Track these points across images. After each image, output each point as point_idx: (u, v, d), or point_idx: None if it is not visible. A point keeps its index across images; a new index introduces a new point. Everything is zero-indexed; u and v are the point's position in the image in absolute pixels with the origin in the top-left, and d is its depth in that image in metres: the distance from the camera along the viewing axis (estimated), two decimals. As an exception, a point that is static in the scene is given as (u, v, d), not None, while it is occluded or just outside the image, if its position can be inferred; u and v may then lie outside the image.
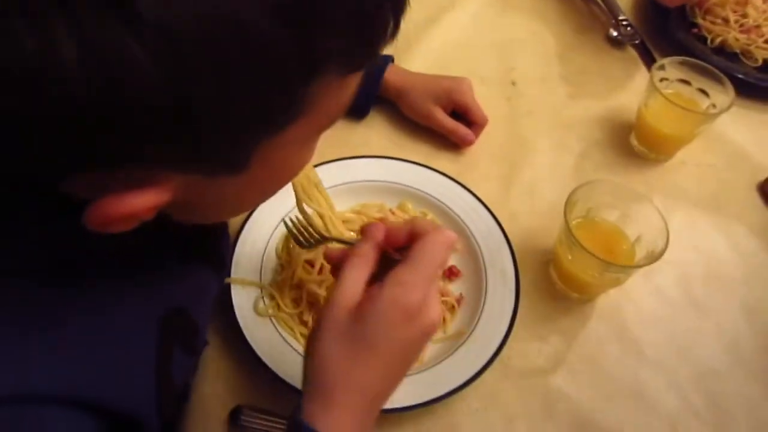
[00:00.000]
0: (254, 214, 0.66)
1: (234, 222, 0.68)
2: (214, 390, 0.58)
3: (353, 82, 0.35)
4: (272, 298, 0.62)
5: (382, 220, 0.68)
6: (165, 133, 0.27)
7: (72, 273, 0.37)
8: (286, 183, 0.41)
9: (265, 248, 0.65)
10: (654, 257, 0.59)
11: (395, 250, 0.48)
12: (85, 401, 0.36)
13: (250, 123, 0.30)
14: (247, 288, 0.61)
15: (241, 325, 0.58)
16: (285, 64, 0.28)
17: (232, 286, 0.61)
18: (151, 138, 0.27)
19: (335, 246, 0.55)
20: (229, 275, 0.61)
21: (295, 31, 0.27)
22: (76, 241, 0.38)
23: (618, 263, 0.60)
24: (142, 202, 0.30)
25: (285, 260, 0.64)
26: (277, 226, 0.66)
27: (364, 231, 0.48)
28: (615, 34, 0.94)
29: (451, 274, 0.66)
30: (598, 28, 0.97)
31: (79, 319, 0.38)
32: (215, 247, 0.57)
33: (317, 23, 0.28)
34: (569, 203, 0.62)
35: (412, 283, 0.43)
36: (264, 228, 0.66)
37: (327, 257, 0.51)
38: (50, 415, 0.34)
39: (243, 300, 0.60)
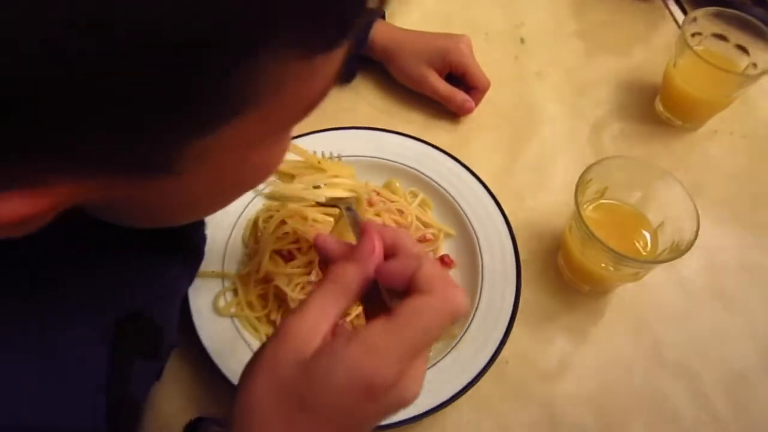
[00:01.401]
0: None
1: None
2: (170, 399, 0.51)
3: (328, 64, 0.26)
4: (235, 293, 0.54)
5: (368, 202, 0.59)
6: (33, 131, 0.20)
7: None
8: (255, 184, 0.33)
9: (230, 235, 0.57)
10: (680, 250, 0.50)
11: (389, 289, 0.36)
12: (17, 427, 0.30)
13: (156, 120, 0.21)
14: (206, 282, 0.54)
15: (197, 326, 0.51)
16: (197, 48, 0.19)
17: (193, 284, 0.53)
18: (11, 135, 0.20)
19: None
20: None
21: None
22: None
23: (637, 257, 0.51)
24: (20, 205, 0.22)
25: (252, 249, 0.56)
26: (245, 209, 0.58)
27: (362, 241, 0.36)
28: (640, -18, 0.82)
29: (442, 264, 0.58)
30: (621, -25, 0.85)
31: (12, 337, 0.32)
32: (187, 237, 0.49)
33: None
34: (581, 184, 0.53)
35: (387, 353, 0.31)
36: (229, 212, 0.57)
37: (318, 244, 0.39)
38: None
39: (201, 296, 0.53)
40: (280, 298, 0.54)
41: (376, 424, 0.34)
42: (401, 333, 0.32)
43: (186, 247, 0.50)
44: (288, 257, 0.55)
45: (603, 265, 0.53)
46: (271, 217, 0.57)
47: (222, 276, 0.54)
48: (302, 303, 0.34)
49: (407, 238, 0.37)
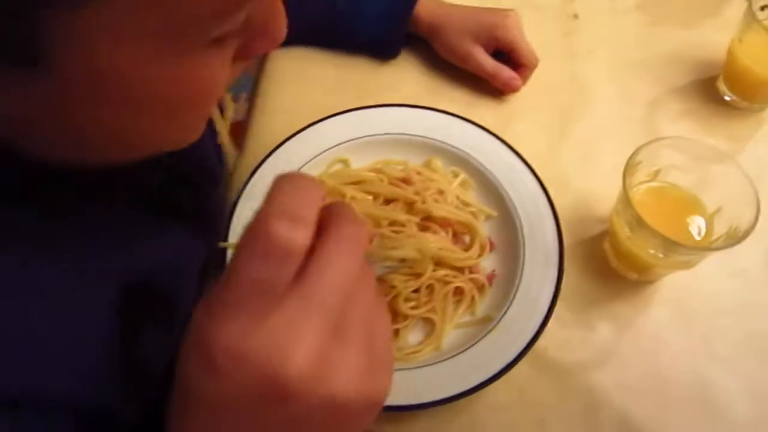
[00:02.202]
0: (257, 174, 0.58)
1: (235, 183, 0.60)
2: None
3: None
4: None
5: (405, 180, 0.58)
6: None
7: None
8: (183, 116, 0.30)
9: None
10: (738, 237, 0.47)
11: None
12: (16, 399, 0.30)
13: None
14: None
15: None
16: None
17: (228, 254, 0.53)
18: None
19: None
20: (225, 238, 0.54)
21: None
22: None
23: (689, 244, 0.48)
24: None
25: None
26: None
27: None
28: (706, -47, 0.77)
29: (487, 279, 0.55)
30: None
31: (9, 299, 0.31)
32: (197, 204, 0.49)
33: None
34: (630, 166, 0.50)
35: (218, 310, 0.24)
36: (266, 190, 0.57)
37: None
38: None
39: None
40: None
41: None
42: (226, 282, 0.24)
43: (195, 213, 0.49)
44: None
45: (652, 251, 0.51)
46: (309, 193, 0.56)
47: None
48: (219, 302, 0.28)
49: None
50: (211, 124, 0.46)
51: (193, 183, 0.49)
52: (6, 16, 0.21)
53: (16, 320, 0.31)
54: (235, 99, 1.42)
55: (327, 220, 0.26)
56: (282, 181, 0.24)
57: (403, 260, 0.50)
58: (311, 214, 0.24)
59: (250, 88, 0.72)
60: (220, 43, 0.28)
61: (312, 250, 0.24)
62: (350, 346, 0.25)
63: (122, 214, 0.40)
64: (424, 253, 0.51)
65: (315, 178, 0.26)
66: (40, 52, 0.23)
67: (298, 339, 0.23)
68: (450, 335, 0.52)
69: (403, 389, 0.48)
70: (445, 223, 0.55)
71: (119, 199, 0.40)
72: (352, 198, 0.56)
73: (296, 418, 0.24)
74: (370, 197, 0.57)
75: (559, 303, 0.52)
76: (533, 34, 0.67)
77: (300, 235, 0.23)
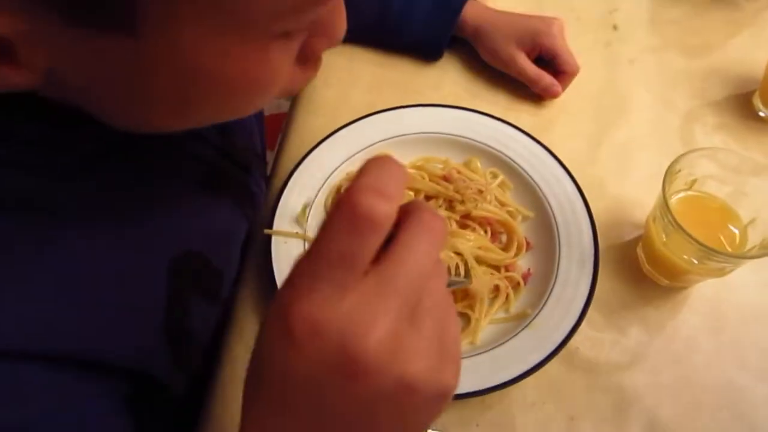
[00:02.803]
0: (303, 164, 0.60)
1: (280, 170, 0.62)
2: (247, 353, 0.54)
3: None
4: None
5: (445, 178, 0.60)
6: None
7: (58, 206, 0.33)
8: (239, 99, 0.32)
9: (314, 199, 0.59)
10: (773, 247, 0.48)
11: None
12: (69, 356, 0.32)
13: None
14: (289, 243, 0.56)
15: (279, 283, 0.53)
16: None
17: (273, 240, 0.55)
18: None
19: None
20: (270, 225, 0.56)
21: None
22: (54, 172, 0.33)
23: (725, 251, 0.49)
24: None
25: (333, 216, 0.58)
26: (329, 177, 0.60)
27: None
28: (747, -30, 0.78)
29: (523, 278, 0.57)
30: (727, -37, 0.81)
31: (60, 263, 0.33)
32: (237, 176, 0.51)
33: None
34: (670, 173, 0.51)
35: (300, 284, 0.25)
36: (314, 178, 0.59)
37: None
38: (25, 372, 0.30)
39: (283, 256, 0.55)
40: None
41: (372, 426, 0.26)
42: (309, 255, 0.25)
43: (238, 189, 0.51)
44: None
45: (686, 257, 0.52)
46: (353, 186, 0.58)
47: (303, 238, 0.56)
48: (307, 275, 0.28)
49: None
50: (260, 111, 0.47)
51: (240, 164, 0.51)
52: None
53: (76, 285, 0.33)
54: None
55: (409, 211, 0.27)
56: (369, 162, 0.25)
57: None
58: (396, 191, 0.24)
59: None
60: (286, 37, 0.30)
61: (394, 238, 0.26)
62: (423, 333, 0.25)
63: (175, 188, 0.42)
64: (466, 256, 0.53)
65: (399, 161, 0.27)
66: (133, 19, 0.25)
67: (375, 318, 0.24)
68: (485, 330, 0.54)
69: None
70: (484, 222, 0.57)
71: (173, 174, 0.42)
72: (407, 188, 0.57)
73: (366, 397, 0.25)
74: (411, 193, 0.59)
75: (592, 304, 0.54)
76: (575, 42, 0.68)
77: (384, 208, 0.24)
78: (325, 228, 0.25)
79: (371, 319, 0.24)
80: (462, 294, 0.54)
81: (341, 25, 0.34)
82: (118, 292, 0.36)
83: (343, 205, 0.24)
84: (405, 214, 0.26)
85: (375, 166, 0.25)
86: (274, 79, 0.32)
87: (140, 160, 0.39)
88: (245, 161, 0.53)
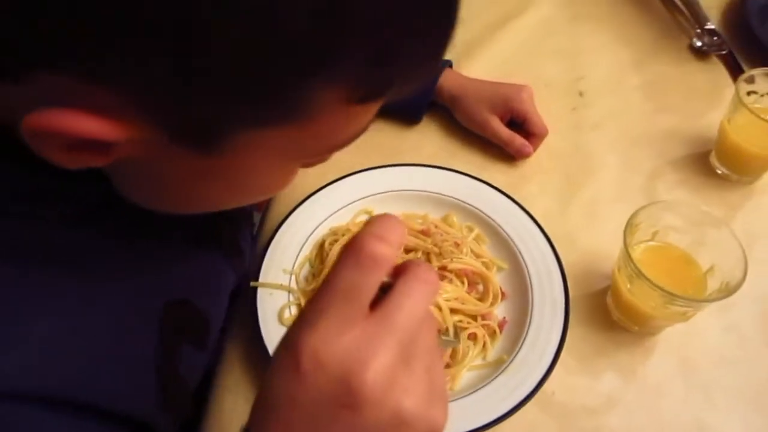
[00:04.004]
0: (289, 219, 0.63)
1: (268, 225, 0.66)
2: (234, 403, 0.56)
3: (358, 119, 0.31)
4: (299, 307, 0.59)
5: (423, 232, 0.63)
6: (155, 55, 0.24)
7: (53, 255, 0.36)
8: (255, 197, 0.38)
9: (298, 253, 0.62)
10: (729, 290, 0.52)
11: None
12: (65, 399, 0.34)
13: (237, 101, 0.27)
14: (274, 295, 0.59)
15: (263, 335, 0.55)
16: (294, 47, 0.25)
17: (259, 292, 0.58)
18: (132, 51, 0.24)
19: None
20: (256, 278, 0.59)
21: (321, 23, 0.24)
22: (55, 222, 0.36)
23: (686, 295, 0.52)
24: (88, 125, 0.26)
25: (317, 269, 0.61)
26: (312, 232, 0.63)
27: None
28: (699, 43, 0.85)
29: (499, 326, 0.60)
30: (680, 36, 0.89)
31: (59, 309, 0.35)
32: (228, 232, 0.54)
33: (347, 24, 0.25)
34: (630, 225, 0.55)
35: (367, 351, 0.27)
36: (300, 233, 0.63)
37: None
38: (22, 414, 0.32)
39: (268, 308, 0.57)
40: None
41: None
42: (317, 295, 0.29)
43: (227, 241, 0.54)
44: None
45: (652, 304, 0.55)
46: (336, 240, 0.61)
47: (288, 290, 0.59)
48: (315, 315, 0.32)
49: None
50: None
51: (231, 219, 0.55)
52: (216, 118, 0.28)
53: (72, 331, 0.36)
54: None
55: (407, 266, 0.31)
56: (374, 216, 0.30)
57: None
58: (395, 239, 0.29)
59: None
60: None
61: (393, 288, 0.30)
62: (416, 372, 0.28)
63: (170, 240, 0.45)
64: (441, 308, 0.56)
65: (399, 218, 0.32)
66: (217, 145, 0.29)
67: (374, 354, 0.27)
68: (463, 376, 0.56)
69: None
70: (461, 273, 0.60)
71: (169, 228, 0.45)
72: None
73: (363, 427, 0.27)
74: (394, 247, 0.62)
75: (565, 352, 0.56)
76: (543, 107, 0.74)
77: (385, 250, 0.28)
78: (333, 268, 0.29)
79: (371, 354, 0.27)
80: None
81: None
82: (112, 338, 0.38)
83: (350, 248, 0.28)
84: (404, 268, 0.31)
85: (378, 219, 0.30)
86: (285, 187, 0.37)
87: (138, 213, 0.42)
88: (235, 219, 0.56)
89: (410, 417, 0.28)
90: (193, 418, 0.55)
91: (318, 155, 0.34)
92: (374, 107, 0.32)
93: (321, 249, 0.62)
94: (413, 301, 0.29)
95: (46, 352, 0.34)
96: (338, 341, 0.27)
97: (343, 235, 0.62)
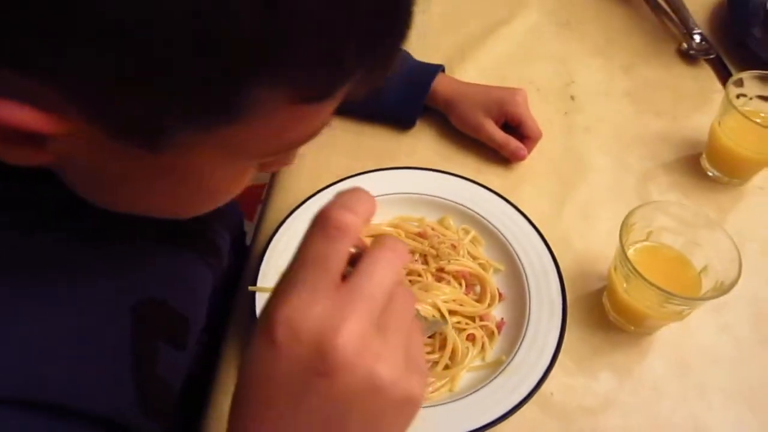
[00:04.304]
0: (286, 223, 0.63)
1: (265, 229, 0.66)
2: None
3: (308, 118, 0.31)
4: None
5: (420, 234, 0.64)
6: (83, 48, 0.24)
7: (20, 261, 0.35)
8: (210, 203, 0.37)
9: (296, 258, 0.62)
10: (723, 289, 0.52)
11: None
12: (43, 402, 0.34)
13: (177, 96, 0.26)
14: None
15: (263, 337, 0.55)
16: (233, 47, 0.25)
17: (257, 297, 0.58)
18: (63, 43, 0.24)
19: None
20: (254, 282, 0.59)
21: (262, 22, 0.24)
22: (16, 228, 0.36)
23: (681, 294, 0.53)
24: (21, 116, 0.26)
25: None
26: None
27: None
28: (687, 47, 0.87)
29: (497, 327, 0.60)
30: (669, 41, 0.90)
31: (31, 314, 0.35)
32: (202, 232, 0.54)
33: (288, 24, 0.25)
34: (625, 225, 0.56)
35: (333, 317, 0.28)
36: (297, 237, 0.62)
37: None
38: (2, 416, 0.31)
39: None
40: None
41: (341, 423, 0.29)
42: (288, 268, 0.30)
43: (201, 239, 0.53)
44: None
45: (648, 303, 0.56)
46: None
47: (287, 293, 0.59)
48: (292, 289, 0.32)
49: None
50: None
51: (204, 221, 0.53)
52: (157, 115, 0.27)
53: (43, 335, 0.35)
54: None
55: (374, 240, 0.31)
56: (342, 190, 0.31)
57: (424, 318, 0.55)
58: (362, 209, 0.30)
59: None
60: (260, 162, 0.35)
61: (361, 258, 0.30)
62: (389, 340, 0.29)
63: (136, 240, 0.44)
64: (440, 309, 0.56)
65: (368, 191, 0.32)
66: (163, 143, 0.29)
67: (345, 321, 0.27)
68: (463, 377, 0.56)
69: (419, 427, 0.52)
70: (458, 275, 0.60)
71: (134, 227, 0.44)
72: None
73: (337, 394, 0.28)
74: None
75: (563, 352, 0.56)
76: (536, 111, 0.74)
77: (351, 218, 0.29)
78: (303, 240, 0.30)
79: (341, 321, 0.28)
80: (441, 344, 0.56)
81: (295, 154, 0.40)
82: (84, 341, 0.38)
83: (318, 219, 0.30)
84: (373, 242, 0.31)
85: (347, 191, 0.31)
86: (238, 190, 0.37)
87: (100, 215, 0.41)
88: (209, 218, 0.55)
89: (384, 384, 0.28)
90: (190, 422, 0.54)
91: (270, 155, 0.33)
92: (327, 107, 0.31)
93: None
94: (381, 268, 0.30)
95: (22, 355, 0.33)
96: (310, 310, 0.28)
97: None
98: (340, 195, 0.30)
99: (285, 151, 0.34)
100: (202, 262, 0.52)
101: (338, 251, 0.29)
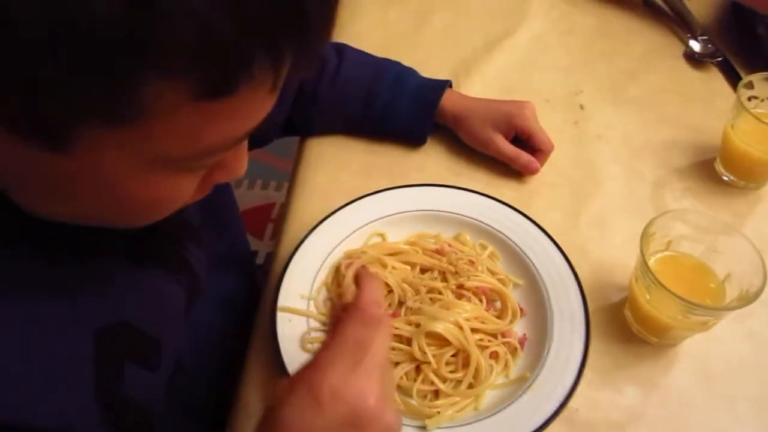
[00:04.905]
0: (303, 245, 0.63)
1: (282, 251, 0.65)
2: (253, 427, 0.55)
3: (220, 118, 0.31)
4: (320, 331, 0.58)
5: (438, 251, 0.63)
6: None
7: None
8: (140, 213, 0.38)
9: (314, 280, 0.61)
10: (749, 298, 0.52)
11: None
12: (9, 425, 0.34)
13: (67, 91, 0.26)
14: (293, 321, 0.58)
15: (285, 361, 0.55)
16: (112, 39, 0.25)
17: (278, 319, 0.57)
18: None
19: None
20: (274, 304, 0.58)
21: (138, 12, 0.24)
22: None
23: (705, 304, 0.52)
24: None
25: (334, 293, 0.61)
26: (327, 257, 0.63)
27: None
28: (693, 51, 0.87)
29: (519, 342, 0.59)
30: (674, 45, 0.90)
31: None
32: (168, 247, 0.53)
33: (165, 12, 0.25)
34: (645, 236, 0.56)
35: (324, 363, 0.40)
36: (313, 260, 0.62)
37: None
38: None
39: (288, 334, 0.57)
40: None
41: None
42: (332, 345, 0.41)
43: (169, 259, 0.52)
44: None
45: (671, 314, 0.55)
46: (351, 263, 0.61)
47: (307, 315, 0.59)
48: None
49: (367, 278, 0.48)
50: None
51: (173, 239, 0.53)
52: (54, 117, 0.28)
53: (10, 358, 0.36)
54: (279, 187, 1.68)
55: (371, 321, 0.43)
56: (365, 278, 0.46)
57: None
58: (382, 298, 0.45)
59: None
60: (189, 171, 0.36)
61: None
62: (390, 394, 0.44)
63: (100, 261, 0.44)
64: (462, 327, 0.55)
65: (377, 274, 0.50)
66: (65, 142, 0.29)
67: (373, 389, 0.40)
68: (487, 396, 0.56)
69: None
70: (478, 291, 0.60)
71: (100, 248, 0.44)
72: (393, 268, 0.61)
73: None
74: (408, 267, 0.62)
75: (586, 366, 0.56)
76: (545, 122, 0.74)
77: (380, 312, 0.44)
78: (346, 323, 0.42)
79: (370, 389, 0.40)
80: (464, 362, 0.56)
81: (241, 165, 0.40)
82: (45, 361, 0.38)
83: (356, 310, 0.43)
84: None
85: (368, 281, 0.46)
86: (174, 201, 0.38)
87: (66, 235, 0.41)
88: (178, 235, 0.54)
89: (391, 425, 0.41)
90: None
91: (194, 160, 0.34)
92: (239, 105, 0.31)
93: (337, 273, 0.62)
94: (378, 347, 0.42)
95: None
96: (350, 378, 0.39)
97: (358, 257, 0.61)
98: (365, 286, 0.46)
99: (208, 156, 0.34)
100: (173, 280, 0.52)
101: (372, 337, 0.41)
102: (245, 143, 0.39)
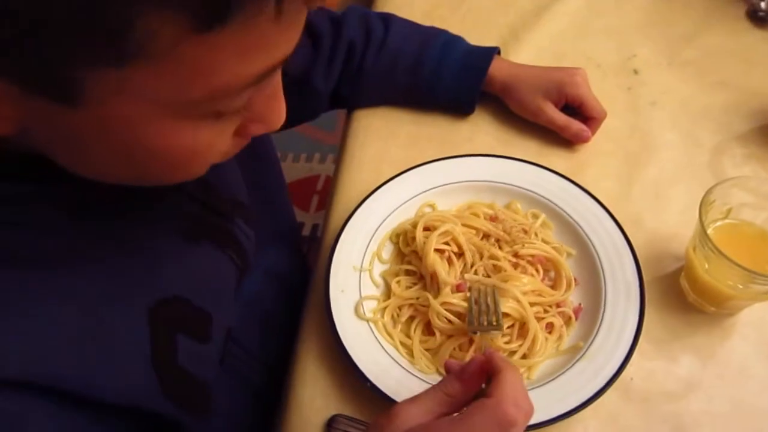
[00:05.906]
0: (354, 217, 0.64)
1: (333, 222, 0.67)
2: (311, 396, 0.57)
3: (228, 52, 0.29)
4: (372, 299, 0.60)
5: (492, 218, 0.63)
6: None
7: (35, 260, 0.37)
8: (167, 169, 0.36)
9: (365, 252, 0.62)
10: (814, 268, 0.50)
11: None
12: (65, 390, 0.35)
13: (66, 41, 0.26)
14: (346, 292, 0.59)
15: (339, 331, 0.56)
16: None
17: (331, 291, 0.59)
18: None
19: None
20: (327, 275, 0.60)
21: None
22: (42, 224, 0.37)
23: (767, 273, 0.51)
24: None
25: (408, 252, 0.62)
26: (377, 228, 0.64)
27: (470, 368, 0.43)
28: (757, 9, 0.82)
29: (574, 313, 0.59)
30: (736, 3, 0.86)
31: (53, 307, 0.36)
32: (222, 228, 0.54)
33: None
34: (704, 204, 0.54)
35: (507, 398, 0.38)
36: (363, 231, 0.63)
37: (446, 366, 0.47)
38: (25, 402, 0.33)
39: (342, 306, 0.58)
40: (417, 309, 0.59)
41: None
42: (455, 425, 0.38)
43: (219, 236, 0.53)
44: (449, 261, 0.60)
45: (731, 283, 0.54)
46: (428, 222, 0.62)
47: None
48: (416, 397, 0.41)
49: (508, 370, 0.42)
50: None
51: (222, 214, 0.54)
52: (57, 64, 0.27)
53: (64, 326, 0.37)
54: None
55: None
56: (506, 368, 0.40)
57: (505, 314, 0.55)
58: (527, 404, 0.39)
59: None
60: (217, 118, 0.34)
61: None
62: None
63: (156, 238, 0.45)
64: (520, 301, 0.56)
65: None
66: (78, 95, 0.29)
67: None
68: (540, 365, 0.56)
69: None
70: (534, 260, 0.60)
71: (155, 225, 0.45)
72: (464, 225, 0.62)
73: None
74: (473, 231, 0.62)
75: (642, 335, 0.55)
76: (597, 89, 0.72)
77: (520, 417, 0.38)
78: (481, 416, 0.37)
79: None
80: (519, 333, 0.56)
81: (278, 115, 0.38)
82: (103, 333, 0.39)
83: (496, 408, 0.38)
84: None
85: (510, 374, 0.40)
86: (205, 152, 0.36)
87: (121, 212, 0.41)
88: (227, 211, 0.55)
89: None
90: (271, 411, 0.56)
91: (207, 103, 0.32)
92: (244, 36, 0.29)
93: (404, 234, 0.63)
94: (483, 421, 0.38)
95: (42, 345, 0.35)
96: None
97: (414, 227, 0.62)
98: (509, 381, 0.40)
99: (226, 98, 0.32)
100: (225, 258, 0.53)
101: None
102: (279, 94, 0.38)
